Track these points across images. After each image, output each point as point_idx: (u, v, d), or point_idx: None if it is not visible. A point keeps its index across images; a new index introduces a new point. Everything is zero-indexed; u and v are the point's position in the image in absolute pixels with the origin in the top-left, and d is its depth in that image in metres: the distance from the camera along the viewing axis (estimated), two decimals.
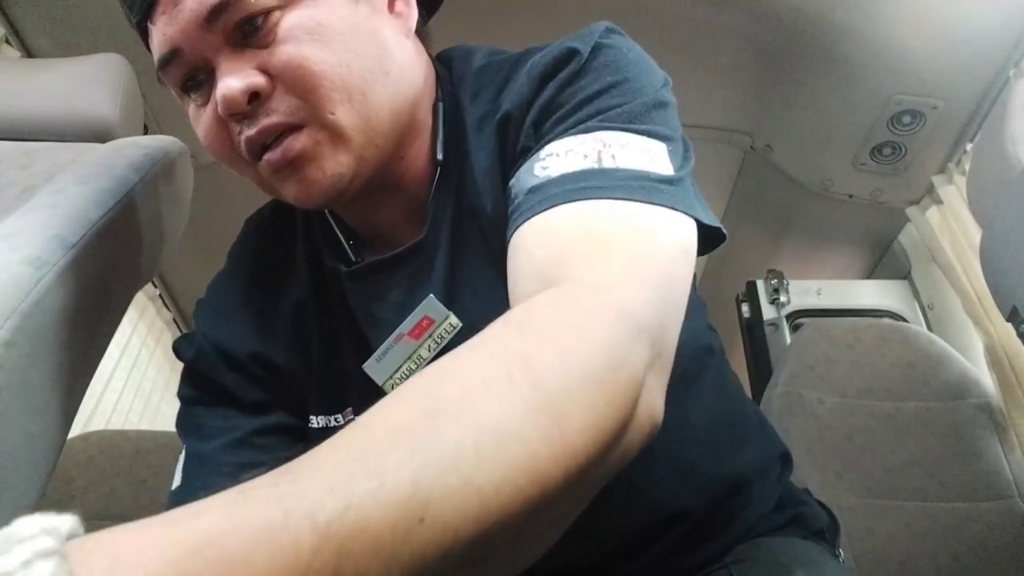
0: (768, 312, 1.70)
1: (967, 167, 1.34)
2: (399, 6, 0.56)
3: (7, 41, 1.33)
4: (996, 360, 1.36)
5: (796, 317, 1.69)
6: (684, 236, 0.46)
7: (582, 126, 0.50)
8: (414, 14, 0.57)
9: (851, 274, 1.94)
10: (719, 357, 0.67)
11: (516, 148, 0.54)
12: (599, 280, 0.40)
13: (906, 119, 1.48)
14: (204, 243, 1.32)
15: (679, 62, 1.55)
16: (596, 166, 0.47)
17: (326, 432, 0.46)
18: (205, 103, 0.52)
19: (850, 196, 1.69)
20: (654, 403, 0.37)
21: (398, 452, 0.27)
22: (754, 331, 1.70)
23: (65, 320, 0.65)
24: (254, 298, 0.64)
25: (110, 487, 1.37)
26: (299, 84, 0.49)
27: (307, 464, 0.26)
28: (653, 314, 0.39)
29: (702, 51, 1.52)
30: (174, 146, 0.83)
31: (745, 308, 1.76)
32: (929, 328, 1.60)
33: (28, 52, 1.37)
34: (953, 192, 1.51)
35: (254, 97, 0.49)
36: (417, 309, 0.56)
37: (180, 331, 2.00)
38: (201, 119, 0.53)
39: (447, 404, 0.30)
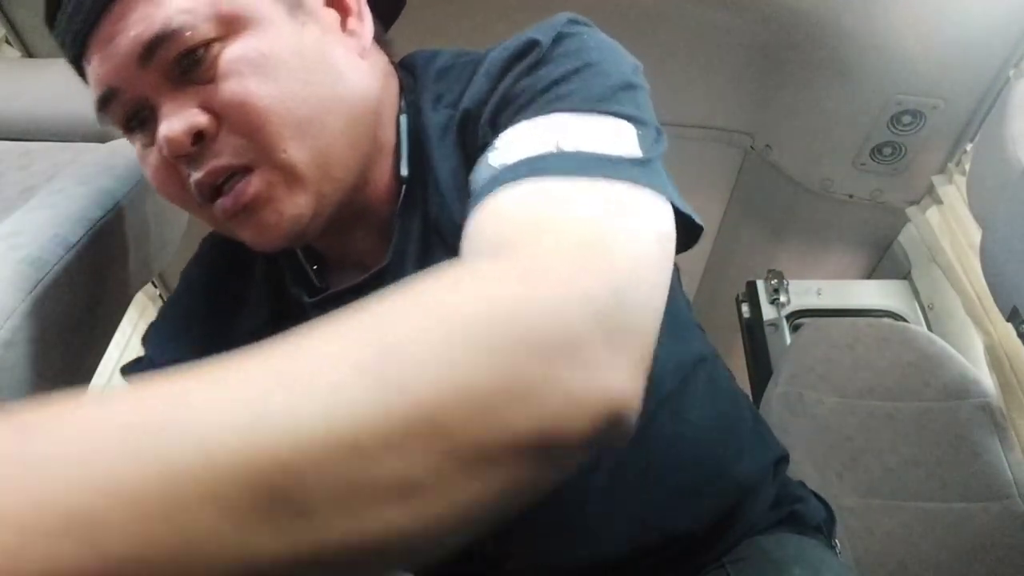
0: (768, 312, 1.70)
1: (967, 167, 1.34)
2: (352, 23, 0.52)
3: (7, 41, 1.33)
4: (996, 360, 1.36)
5: (796, 317, 1.69)
6: (655, 214, 0.40)
7: (541, 112, 0.45)
8: (368, 29, 0.53)
9: (851, 274, 1.94)
10: (711, 363, 0.65)
11: (476, 147, 0.50)
12: (539, 252, 0.35)
13: (906, 119, 1.48)
14: None
15: (679, 62, 1.55)
16: (554, 150, 0.42)
17: None
18: (151, 143, 0.48)
19: (850, 196, 1.69)
20: (609, 384, 0.30)
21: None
22: (754, 331, 1.70)
23: (65, 320, 0.65)
24: (207, 324, 0.59)
25: None
26: (245, 122, 0.45)
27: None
28: (602, 286, 0.33)
29: (702, 51, 1.51)
30: None
31: (745, 308, 1.76)
32: (929, 328, 1.60)
33: (28, 52, 1.37)
34: (953, 192, 1.50)
35: (199, 137, 0.46)
36: None
37: None
38: (148, 161, 0.49)
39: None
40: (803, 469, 1.25)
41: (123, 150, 0.78)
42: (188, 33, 0.44)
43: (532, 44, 0.49)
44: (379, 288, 0.52)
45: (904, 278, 1.75)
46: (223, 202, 0.47)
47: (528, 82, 0.47)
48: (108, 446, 0.22)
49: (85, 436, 0.22)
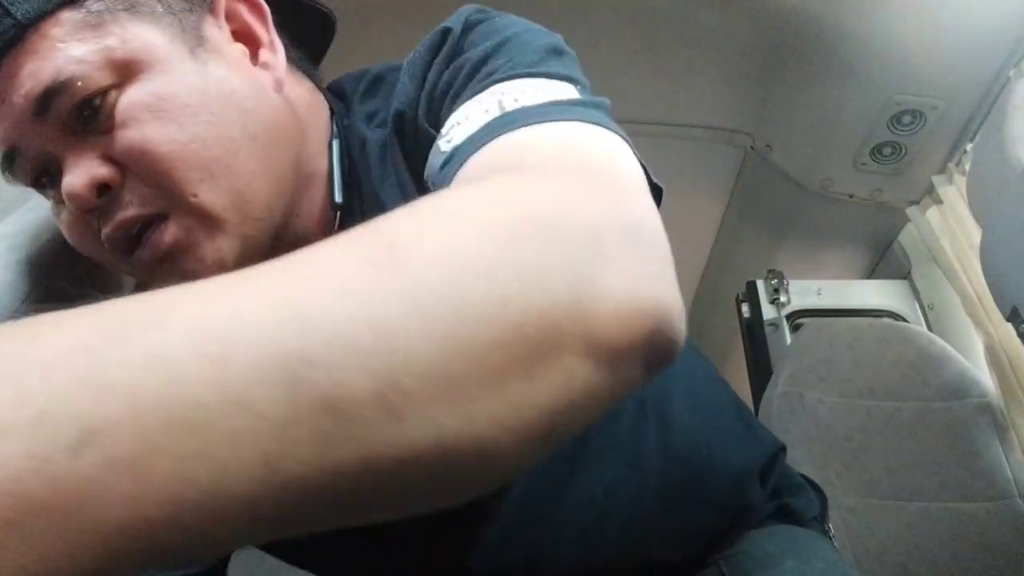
0: (768, 312, 1.70)
1: (967, 167, 1.34)
2: (264, 56, 0.50)
3: None
4: (996, 360, 1.35)
5: (796, 317, 1.69)
6: (620, 147, 0.38)
7: (476, 89, 0.44)
8: (281, 61, 0.51)
9: (851, 274, 1.94)
10: (691, 361, 0.64)
11: (418, 148, 0.48)
12: (533, 172, 0.34)
13: (906, 119, 1.48)
14: None
15: (679, 62, 1.55)
16: (499, 113, 0.40)
17: None
18: (63, 199, 0.45)
19: (850, 196, 1.69)
20: (648, 285, 0.28)
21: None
22: (754, 331, 1.70)
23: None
24: None
25: None
26: (148, 170, 0.43)
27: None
28: (611, 196, 0.32)
29: (702, 51, 1.51)
30: None
31: (745, 308, 1.76)
32: (929, 328, 1.60)
33: None
34: (953, 192, 1.50)
35: (104, 190, 0.44)
36: None
37: None
38: (62, 218, 0.47)
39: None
40: (803, 469, 1.25)
41: None
42: (80, 83, 0.42)
43: (444, 33, 0.48)
44: None
45: (904, 278, 1.74)
46: (140, 254, 0.45)
47: (453, 69, 0.46)
48: (101, 344, 0.20)
49: (78, 335, 0.20)
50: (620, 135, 0.39)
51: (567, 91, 0.42)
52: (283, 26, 0.53)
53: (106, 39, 0.43)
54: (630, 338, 0.27)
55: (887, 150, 1.56)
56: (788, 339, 1.63)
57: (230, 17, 0.50)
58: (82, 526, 0.18)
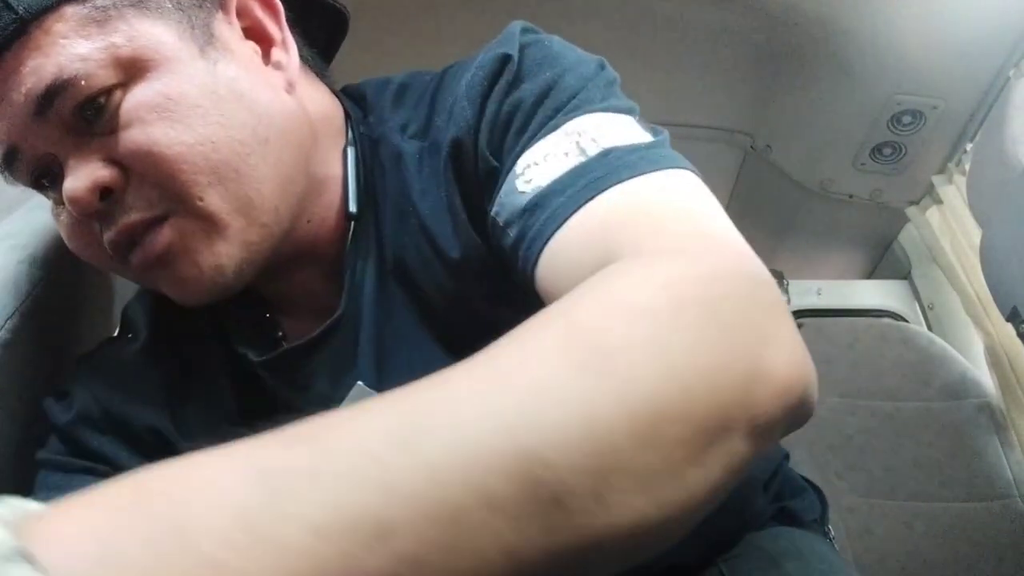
0: None
1: (967, 167, 1.34)
2: (276, 55, 0.49)
3: None
4: (996, 360, 1.35)
5: (796, 317, 1.68)
6: (701, 187, 0.42)
7: (547, 127, 0.44)
8: (294, 61, 0.49)
9: (851, 274, 1.93)
10: None
11: (476, 176, 0.47)
12: (664, 244, 0.36)
13: (906, 119, 1.47)
14: None
15: (679, 62, 1.54)
16: (583, 159, 0.41)
17: None
18: (63, 201, 0.44)
19: (850, 196, 1.69)
20: (792, 356, 0.31)
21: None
22: None
23: (66, 320, 0.65)
24: (162, 370, 0.54)
25: None
26: (153, 174, 0.42)
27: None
28: (734, 256, 0.35)
29: (702, 51, 1.51)
30: None
31: None
32: (929, 328, 1.60)
33: None
34: (953, 192, 1.50)
35: (107, 193, 0.42)
36: (345, 401, 0.49)
37: None
38: (61, 220, 0.46)
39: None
40: (803, 469, 1.25)
41: None
42: (83, 82, 0.40)
43: (504, 59, 0.47)
44: (334, 341, 0.50)
45: (904, 278, 1.74)
46: (134, 257, 0.44)
47: (513, 100, 0.46)
48: (383, 451, 0.23)
49: (359, 443, 0.24)
50: (690, 169, 0.42)
51: (633, 128, 0.44)
52: (294, 24, 0.51)
53: (112, 36, 0.41)
54: (784, 412, 0.30)
55: (887, 150, 1.56)
56: None
57: (241, 14, 0.48)
58: None
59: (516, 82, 0.46)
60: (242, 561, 0.20)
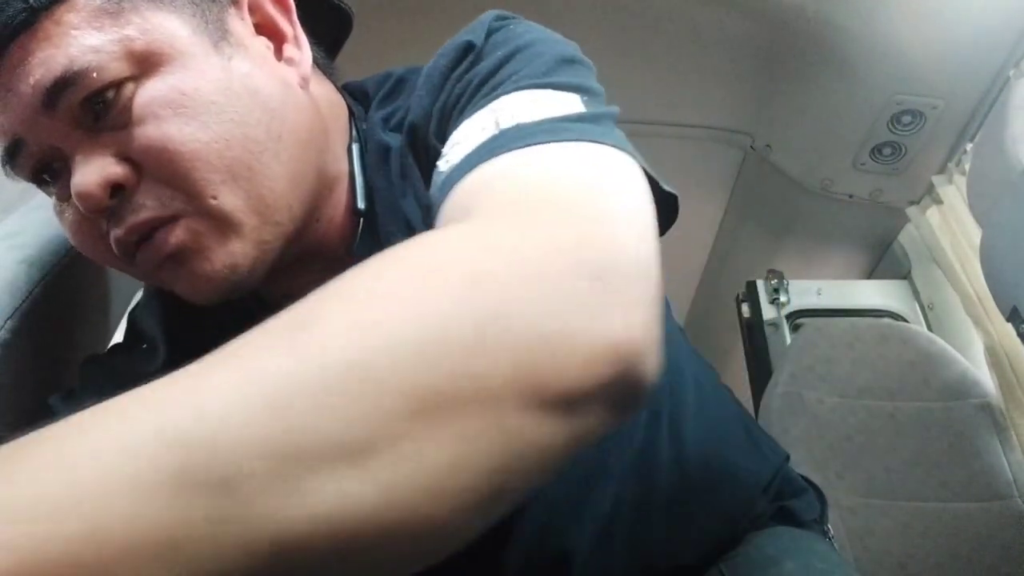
0: (768, 312, 1.70)
1: (967, 167, 1.34)
2: (289, 51, 0.48)
3: None
4: (996, 360, 1.35)
5: (796, 317, 1.69)
6: (612, 167, 0.37)
7: (478, 105, 0.42)
8: (307, 56, 0.49)
9: (851, 274, 1.93)
10: (703, 381, 0.64)
11: (428, 162, 0.46)
12: (511, 211, 0.33)
13: (906, 119, 1.47)
14: None
15: (680, 62, 1.54)
16: (495, 132, 0.39)
17: None
18: (67, 197, 0.43)
19: (850, 196, 1.69)
20: (609, 327, 0.27)
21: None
22: (754, 331, 1.70)
23: (65, 321, 0.65)
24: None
25: None
26: (167, 171, 0.41)
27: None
28: (588, 228, 0.31)
29: (702, 51, 1.51)
30: None
31: (745, 308, 1.76)
32: (929, 328, 1.60)
33: None
34: (953, 192, 1.50)
35: (117, 190, 0.41)
36: None
37: None
38: (65, 216, 0.45)
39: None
40: (803, 469, 1.25)
41: None
42: (95, 74, 0.39)
43: (468, 47, 0.46)
44: None
45: (904, 278, 1.74)
46: (143, 255, 0.43)
47: (464, 82, 0.45)
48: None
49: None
50: (620, 148, 0.38)
51: (571, 103, 0.41)
52: (303, 22, 0.51)
53: (125, 28, 0.40)
54: (584, 386, 0.26)
55: (887, 150, 1.56)
56: (788, 339, 1.63)
57: (253, 9, 0.48)
58: None
59: (471, 67, 0.45)
60: None
